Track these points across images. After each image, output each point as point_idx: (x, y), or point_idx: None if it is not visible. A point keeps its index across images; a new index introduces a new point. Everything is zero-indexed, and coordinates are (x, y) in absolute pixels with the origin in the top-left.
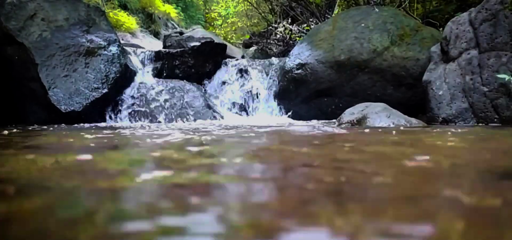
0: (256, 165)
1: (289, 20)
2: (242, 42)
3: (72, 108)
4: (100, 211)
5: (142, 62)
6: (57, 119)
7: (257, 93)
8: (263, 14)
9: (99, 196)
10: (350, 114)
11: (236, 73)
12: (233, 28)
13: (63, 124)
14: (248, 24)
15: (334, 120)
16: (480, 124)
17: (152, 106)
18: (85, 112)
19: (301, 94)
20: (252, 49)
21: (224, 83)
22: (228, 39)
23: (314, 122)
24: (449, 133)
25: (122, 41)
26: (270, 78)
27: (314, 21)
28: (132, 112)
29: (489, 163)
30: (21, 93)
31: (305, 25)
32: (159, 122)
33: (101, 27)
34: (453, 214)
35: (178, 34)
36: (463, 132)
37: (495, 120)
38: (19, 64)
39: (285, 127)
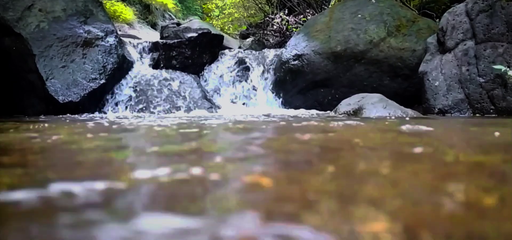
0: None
1: (286, 11)
2: (239, 33)
3: (69, 99)
4: None
5: (140, 53)
6: (55, 110)
7: (254, 85)
8: (260, 5)
9: None
10: (347, 105)
11: (234, 64)
12: (230, 19)
13: (59, 115)
14: (245, 15)
15: (330, 112)
16: (477, 115)
17: (149, 96)
18: (82, 103)
19: (298, 85)
20: (249, 40)
21: (221, 74)
22: (225, 30)
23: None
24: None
25: (119, 32)
26: (267, 69)
27: (311, 12)
28: (130, 103)
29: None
30: (19, 85)
31: (302, 16)
32: (156, 112)
33: (99, 18)
34: None
35: (175, 25)
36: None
37: (491, 111)
38: (16, 56)
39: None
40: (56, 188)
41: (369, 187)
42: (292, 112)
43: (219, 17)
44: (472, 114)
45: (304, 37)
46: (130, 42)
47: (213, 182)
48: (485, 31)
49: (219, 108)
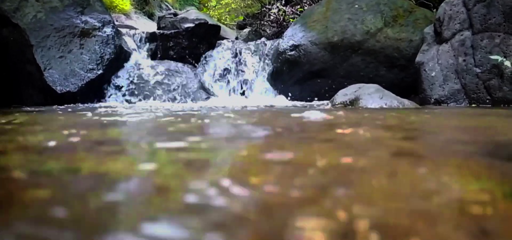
0: None
1: (283, 1)
2: (236, 23)
3: (67, 89)
4: None
5: (137, 44)
6: (52, 101)
7: (251, 75)
8: None
9: None
10: (343, 95)
11: (231, 54)
12: (227, 9)
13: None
14: (242, 5)
15: (327, 102)
16: (473, 105)
17: (147, 87)
18: (80, 93)
19: (295, 76)
20: (246, 30)
21: (218, 65)
22: (222, 21)
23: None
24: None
25: (116, 23)
26: (264, 60)
27: (308, 2)
28: (127, 93)
29: None
30: (18, 75)
31: (298, 6)
32: (153, 102)
33: (96, 8)
34: None
35: (172, 16)
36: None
37: (487, 101)
38: (14, 46)
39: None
40: None
41: None
42: (292, 102)
43: (216, 7)
44: (468, 104)
45: (301, 27)
46: (127, 33)
47: None
48: (482, 21)
49: (216, 97)
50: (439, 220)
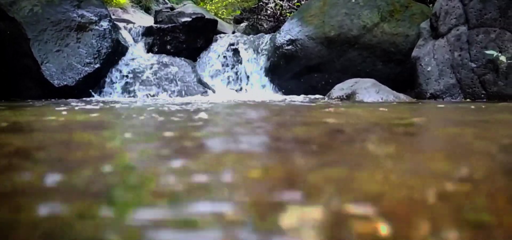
0: None
1: None
2: (233, 18)
3: (65, 83)
4: None
5: (134, 38)
6: (50, 94)
7: (248, 70)
8: None
9: None
10: (340, 89)
11: (228, 49)
12: (224, 3)
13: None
14: None
15: (324, 96)
16: (468, 100)
17: (144, 81)
18: (78, 87)
19: (292, 70)
20: (243, 25)
21: (215, 59)
22: (219, 15)
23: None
24: None
25: (113, 16)
26: (261, 54)
27: None
28: (124, 87)
29: None
30: (15, 68)
31: (296, 0)
32: (150, 96)
33: (92, 2)
34: None
35: (169, 10)
36: None
37: (483, 95)
38: (11, 40)
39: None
40: None
41: None
42: (292, 97)
43: (213, 1)
44: (463, 99)
45: (298, 22)
46: (124, 27)
47: None
48: (478, 16)
49: (213, 92)
50: None
